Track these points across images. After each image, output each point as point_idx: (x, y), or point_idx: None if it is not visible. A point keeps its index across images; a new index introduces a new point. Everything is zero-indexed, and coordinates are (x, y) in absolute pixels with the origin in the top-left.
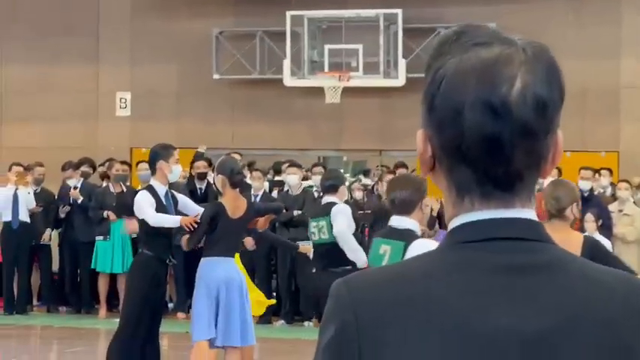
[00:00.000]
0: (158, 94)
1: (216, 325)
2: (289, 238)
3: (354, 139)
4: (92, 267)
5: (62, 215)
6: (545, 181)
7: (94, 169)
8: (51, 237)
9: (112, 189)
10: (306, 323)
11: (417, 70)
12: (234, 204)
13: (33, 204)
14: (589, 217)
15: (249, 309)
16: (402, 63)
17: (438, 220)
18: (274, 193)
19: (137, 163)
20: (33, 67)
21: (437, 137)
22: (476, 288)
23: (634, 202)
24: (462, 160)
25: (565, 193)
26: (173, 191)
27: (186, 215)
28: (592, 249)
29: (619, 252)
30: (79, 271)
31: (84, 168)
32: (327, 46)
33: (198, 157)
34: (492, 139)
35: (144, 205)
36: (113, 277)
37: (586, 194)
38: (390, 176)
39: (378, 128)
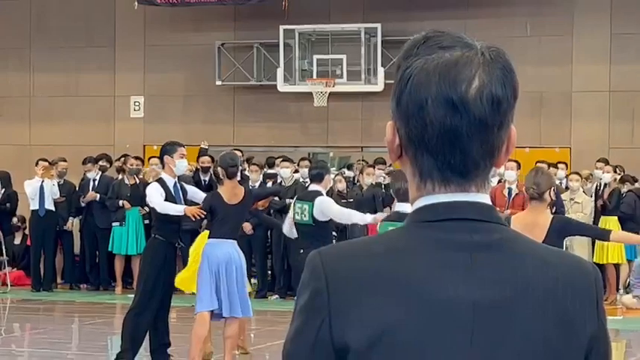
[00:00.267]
0: (168, 98)
1: (219, 299)
2: None
3: (339, 137)
4: (109, 249)
5: (83, 204)
6: (507, 172)
7: (111, 163)
8: (73, 224)
9: (126, 181)
10: None
11: (394, 77)
12: (231, 192)
13: (57, 194)
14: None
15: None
16: (380, 71)
17: None
18: (269, 185)
19: (149, 159)
20: (58, 75)
21: (403, 128)
22: (435, 262)
23: (583, 192)
24: (424, 149)
25: (544, 180)
26: (182, 183)
27: (197, 204)
28: (562, 222)
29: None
30: (97, 253)
31: (102, 163)
32: (315, 56)
33: (202, 153)
34: (452, 131)
35: (153, 195)
36: (128, 259)
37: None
38: (369, 169)
39: (360, 128)
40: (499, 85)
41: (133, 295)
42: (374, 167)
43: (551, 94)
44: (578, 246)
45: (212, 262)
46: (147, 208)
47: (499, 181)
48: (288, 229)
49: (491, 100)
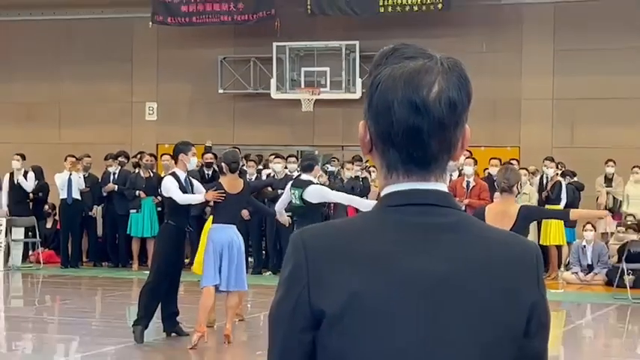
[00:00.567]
0: (177, 104)
1: (220, 275)
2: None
3: (323, 137)
4: (127, 232)
5: (104, 194)
6: (466, 168)
7: (128, 159)
8: (96, 211)
9: (142, 174)
10: None
11: None
12: (232, 183)
13: (82, 185)
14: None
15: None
16: (359, 81)
17: None
18: (263, 177)
19: (161, 155)
20: (83, 84)
21: (373, 126)
22: (399, 240)
23: (530, 184)
24: (391, 145)
25: (513, 175)
26: (191, 177)
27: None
28: (527, 209)
29: None
30: (117, 235)
31: (121, 159)
32: (303, 69)
33: (207, 150)
34: (414, 129)
35: (172, 188)
36: (143, 241)
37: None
38: (349, 165)
39: (341, 130)
40: (455, 90)
41: (147, 272)
42: (352, 163)
43: (503, 101)
44: None
45: (216, 244)
46: (159, 197)
47: (459, 175)
48: (280, 208)
49: (448, 103)
